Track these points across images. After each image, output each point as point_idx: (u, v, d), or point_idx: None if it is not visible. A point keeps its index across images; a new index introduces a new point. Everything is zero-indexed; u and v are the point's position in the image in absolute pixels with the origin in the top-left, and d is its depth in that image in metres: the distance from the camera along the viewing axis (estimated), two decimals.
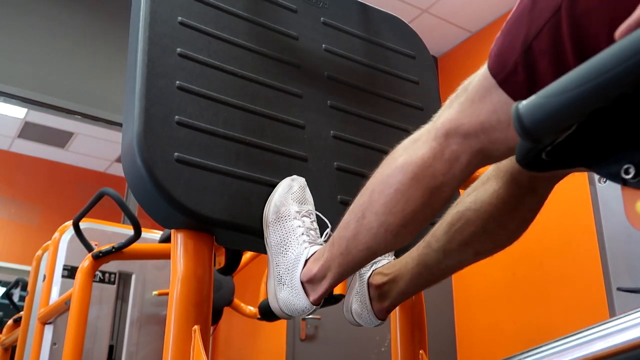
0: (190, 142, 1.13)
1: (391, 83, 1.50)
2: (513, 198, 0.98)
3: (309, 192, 1.19)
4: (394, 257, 1.24)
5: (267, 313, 2.52)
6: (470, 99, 0.81)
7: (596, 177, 3.09)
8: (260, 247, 1.17)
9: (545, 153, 0.67)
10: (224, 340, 4.77)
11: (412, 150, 0.88)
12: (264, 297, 2.63)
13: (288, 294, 1.07)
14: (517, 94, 0.73)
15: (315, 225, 1.14)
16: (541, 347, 0.70)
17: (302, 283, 1.06)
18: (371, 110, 1.43)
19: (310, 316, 3.93)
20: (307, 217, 1.14)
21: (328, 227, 1.16)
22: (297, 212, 1.13)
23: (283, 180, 1.19)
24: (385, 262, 1.20)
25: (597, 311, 3.04)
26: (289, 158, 1.25)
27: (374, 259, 1.05)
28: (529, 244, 3.73)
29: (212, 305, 1.12)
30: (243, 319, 3.05)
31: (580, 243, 3.30)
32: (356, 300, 1.19)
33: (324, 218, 1.18)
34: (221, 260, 1.63)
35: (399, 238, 0.92)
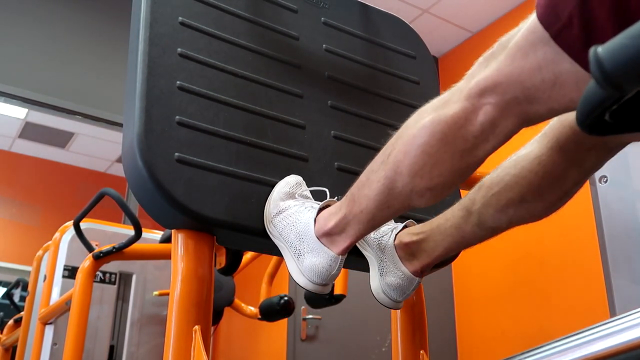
0: (191, 143, 1.13)
1: (392, 83, 1.50)
2: (557, 168, 0.92)
3: (305, 186, 1.19)
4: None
5: (267, 313, 2.53)
6: (511, 55, 0.74)
7: (597, 177, 3.09)
8: (260, 247, 1.17)
9: (610, 113, 0.59)
10: (224, 341, 4.77)
11: (441, 110, 0.82)
12: (264, 297, 2.63)
13: (309, 258, 1.03)
14: (573, 50, 0.67)
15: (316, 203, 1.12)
16: (542, 347, 0.71)
17: (318, 239, 1.02)
18: (372, 110, 1.43)
19: (310, 316, 3.94)
20: (306, 198, 1.14)
21: (326, 195, 1.15)
22: (296, 199, 1.13)
23: (280, 181, 1.19)
24: (401, 227, 1.15)
25: (597, 311, 3.04)
26: (290, 158, 1.25)
27: (396, 216, 0.99)
28: (529, 245, 3.74)
29: (213, 306, 1.12)
30: (244, 319, 3.05)
31: (580, 243, 3.31)
32: (387, 273, 1.12)
33: (322, 189, 1.17)
34: (222, 261, 1.63)
35: (423, 199, 0.88)
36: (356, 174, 1.31)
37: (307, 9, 1.46)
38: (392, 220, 1.20)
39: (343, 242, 1.01)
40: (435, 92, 1.56)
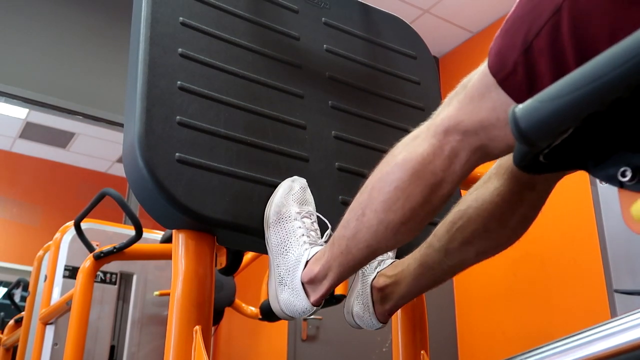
0: (192, 143, 1.13)
1: (392, 83, 1.50)
2: (513, 195, 0.98)
3: (309, 193, 1.19)
4: (394, 259, 1.23)
5: (268, 313, 2.53)
6: (469, 96, 0.80)
7: None
8: (261, 247, 1.17)
9: (543, 156, 0.67)
10: (225, 341, 4.77)
11: (411, 147, 0.88)
12: (265, 297, 2.63)
13: (289, 294, 1.07)
14: (517, 94, 0.73)
15: (316, 226, 1.14)
16: (542, 347, 0.70)
17: (302, 284, 1.06)
18: (372, 110, 1.43)
19: (311, 316, 3.94)
20: (308, 218, 1.14)
21: (328, 227, 1.16)
22: (298, 212, 1.13)
23: (284, 182, 1.19)
24: (389, 263, 1.19)
25: (598, 312, 3.04)
26: (290, 158, 1.25)
27: (375, 257, 1.04)
28: (530, 245, 3.74)
29: (214, 306, 1.12)
30: (244, 319, 3.05)
31: (581, 244, 3.30)
32: (358, 302, 1.18)
33: (324, 219, 1.18)
34: (222, 261, 1.63)
35: (399, 236, 0.92)
36: (357, 174, 1.31)
37: (308, 9, 1.46)
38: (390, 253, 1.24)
39: (322, 289, 1.04)
40: (436, 93, 1.56)
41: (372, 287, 1.17)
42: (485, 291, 3.90)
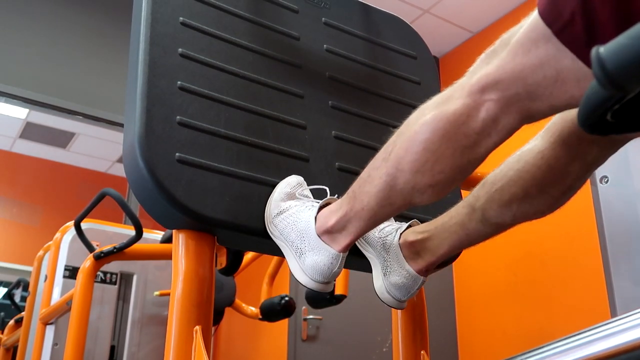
0: (192, 143, 1.13)
1: (393, 83, 1.50)
2: (560, 162, 0.92)
3: (306, 186, 1.19)
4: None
5: (268, 313, 2.53)
6: (512, 52, 0.74)
7: (597, 177, 3.09)
8: (261, 247, 1.17)
9: (612, 113, 0.59)
10: (225, 341, 4.77)
11: (443, 106, 0.82)
12: (265, 297, 2.63)
13: (310, 256, 1.03)
14: (575, 47, 0.67)
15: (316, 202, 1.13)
16: (542, 347, 0.71)
17: (319, 237, 1.02)
18: (373, 110, 1.43)
19: (311, 316, 3.94)
20: (307, 197, 1.14)
21: (327, 194, 1.15)
22: (297, 200, 1.13)
23: (281, 182, 1.19)
24: (406, 225, 1.15)
25: (598, 312, 3.04)
26: (291, 158, 1.25)
27: (398, 213, 0.99)
28: (530, 245, 3.74)
29: (214, 306, 1.12)
30: (244, 319, 3.05)
31: (581, 243, 3.30)
32: (391, 273, 1.11)
33: (322, 187, 1.17)
34: (223, 261, 1.63)
35: (425, 196, 0.88)
36: (357, 174, 1.31)
37: (308, 9, 1.46)
38: (395, 221, 1.20)
39: (344, 240, 1.01)
40: (436, 93, 1.56)
41: (400, 245, 1.11)
42: (485, 291, 3.90)
